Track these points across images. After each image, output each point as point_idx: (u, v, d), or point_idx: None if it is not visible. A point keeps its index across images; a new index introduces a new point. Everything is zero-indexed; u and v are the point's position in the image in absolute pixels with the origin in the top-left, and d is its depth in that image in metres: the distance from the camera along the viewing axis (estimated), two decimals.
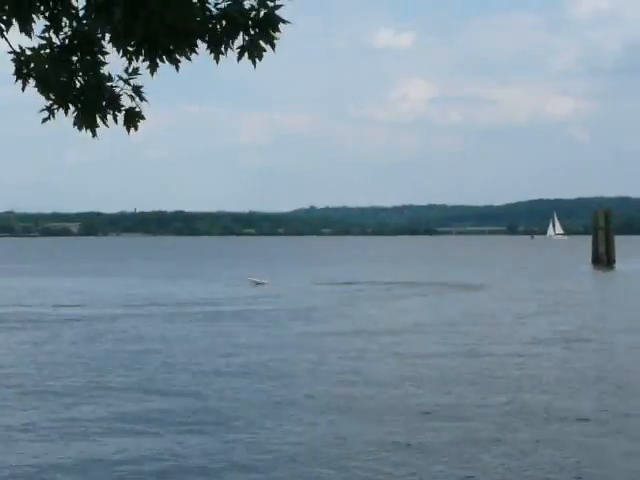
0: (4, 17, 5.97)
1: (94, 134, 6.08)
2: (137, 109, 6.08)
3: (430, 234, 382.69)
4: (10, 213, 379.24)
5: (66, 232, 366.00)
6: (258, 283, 74.96)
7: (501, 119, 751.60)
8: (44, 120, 6.36)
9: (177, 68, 5.83)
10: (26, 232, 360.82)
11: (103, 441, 19.56)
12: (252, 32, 5.73)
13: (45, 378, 27.99)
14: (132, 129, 6.11)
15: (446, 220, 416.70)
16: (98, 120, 6.02)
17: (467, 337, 37.33)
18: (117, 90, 6.00)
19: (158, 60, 5.79)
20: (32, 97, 6.35)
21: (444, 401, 23.58)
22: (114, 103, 5.96)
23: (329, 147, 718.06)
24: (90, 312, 52.25)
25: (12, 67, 6.31)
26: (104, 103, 5.93)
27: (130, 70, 5.95)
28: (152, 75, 5.70)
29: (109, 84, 5.97)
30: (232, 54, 5.94)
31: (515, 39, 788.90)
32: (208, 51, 5.85)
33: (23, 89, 6.41)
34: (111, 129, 6.38)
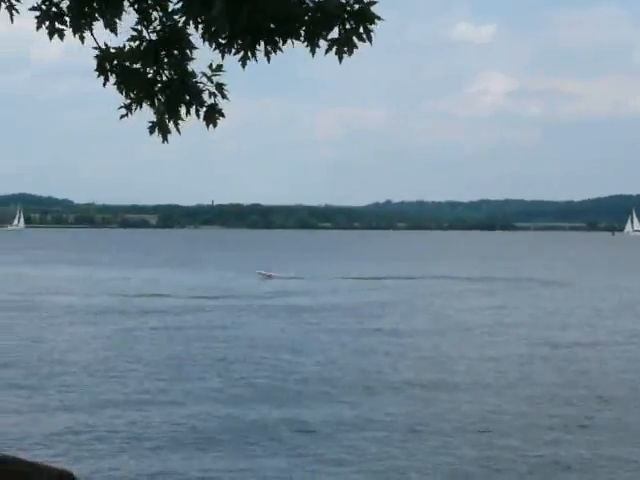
0: (92, 12, 5.90)
1: (177, 129, 6.01)
2: (218, 106, 5.99)
3: (507, 229, 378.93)
4: (90, 205, 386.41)
5: (144, 224, 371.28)
6: (267, 276, 75.89)
7: (582, 113, 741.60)
8: (122, 117, 6.30)
9: (269, 59, 5.72)
10: (105, 223, 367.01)
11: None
12: (347, 26, 5.63)
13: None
14: (211, 125, 6.02)
15: (524, 215, 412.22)
16: (182, 113, 5.94)
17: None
18: (200, 86, 5.91)
19: (253, 52, 5.68)
20: (112, 92, 6.27)
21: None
22: (197, 98, 5.88)
23: (405, 141, 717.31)
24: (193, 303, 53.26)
25: (93, 62, 6.25)
26: (187, 97, 5.86)
27: (214, 67, 5.84)
28: (244, 68, 5.57)
29: (193, 79, 5.89)
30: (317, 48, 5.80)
31: (598, 33, 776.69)
32: (293, 44, 5.74)
33: (104, 84, 6.34)
34: (189, 123, 6.32)
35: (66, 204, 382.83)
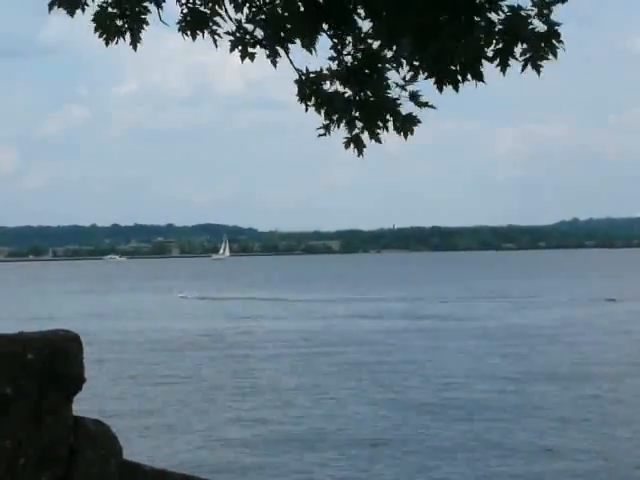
0: (288, 35, 6.22)
1: (378, 140, 6.22)
2: (413, 113, 6.17)
3: None
4: (274, 232, 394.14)
5: (327, 250, 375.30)
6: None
7: None
8: (319, 136, 6.59)
9: (456, 89, 5.88)
10: (289, 250, 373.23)
11: None
12: (533, 45, 5.74)
13: None
14: (408, 134, 6.21)
15: None
16: (379, 127, 6.15)
17: None
18: (396, 99, 6.10)
19: (440, 88, 5.86)
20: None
21: None
22: (394, 112, 6.08)
23: (590, 157, 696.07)
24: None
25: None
26: (384, 112, 6.07)
27: (407, 78, 6.03)
28: (440, 91, 5.72)
29: (389, 94, 6.10)
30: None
31: None
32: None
33: (306, 110, 6.64)
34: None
35: (251, 233, 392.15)
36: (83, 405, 5.08)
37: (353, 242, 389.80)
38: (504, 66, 5.67)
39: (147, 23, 6.90)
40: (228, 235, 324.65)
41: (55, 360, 4.65)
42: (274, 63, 6.42)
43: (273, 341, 48.66)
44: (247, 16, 6.53)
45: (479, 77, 5.64)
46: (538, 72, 5.70)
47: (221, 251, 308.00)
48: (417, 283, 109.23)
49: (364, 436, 24.60)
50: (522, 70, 5.69)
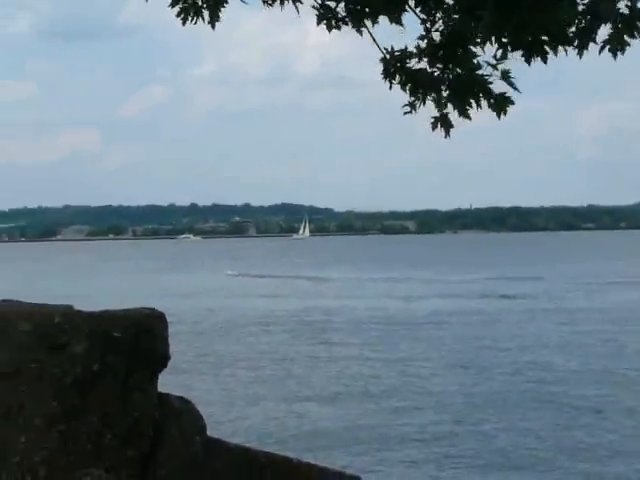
0: (372, 13, 6.15)
1: (468, 117, 6.12)
2: (507, 94, 6.06)
3: None
4: (350, 212, 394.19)
5: (403, 230, 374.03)
6: None
7: None
8: (405, 113, 6.53)
9: (545, 60, 5.75)
10: (365, 230, 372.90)
11: None
12: (618, 26, 5.58)
13: None
14: (502, 114, 6.10)
15: None
16: (471, 106, 6.06)
17: None
18: (487, 78, 6.00)
19: (528, 61, 5.75)
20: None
21: None
22: (485, 91, 5.97)
23: None
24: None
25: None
26: (475, 90, 5.96)
27: (498, 56, 5.92)
28: (529, 64, 5.63)
29: (479, 72, 6.00)
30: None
31: None
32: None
33: (390, 88, 6.57)
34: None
35: (327, 212, 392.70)
36: (166, 382, 5.10)
37: (429, 222, 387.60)
38: (583, 48, 5.53)
39: (226, 1, 6.76)
40: (305, 215, 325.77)
41: (141, 337, 4.69)
42: (359, 32, 6.30)
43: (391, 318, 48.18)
44: None
45: (569, 42, 5.50)
46: (615, 55, 5.55)
47: (301, 231, 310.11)
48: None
49: None
50: (599, 52, 5.55)
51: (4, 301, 4.88)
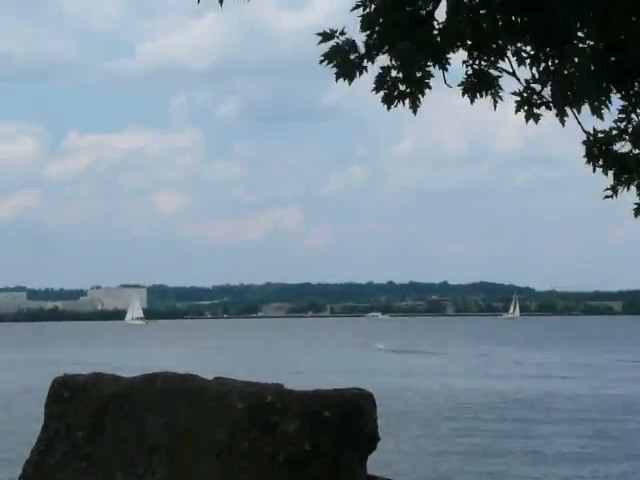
0: (578, 96, 6.12)
1: None
2: None
3: None
4: (552, 292, 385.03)
5: (608, 311, 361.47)
6: None
7: None
8: (605, 197, 6.41)
9: None
10: (567, 310, 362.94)
11: None
12: None
13: None
14: None
15: None
16: None
17: None
18: None
19: None
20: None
21: None
22: None
23: None
24: None
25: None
26: None
27: None
28: None
29: None
30: None
31: None
32: None
33: (594, 170, 6.48)
34: None
35: (528, 292, 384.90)
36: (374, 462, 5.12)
37: (637, 303, 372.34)
38: None
39: (430, 87, 6.82)
40: (504, 294, 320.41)
41: (351, 418, 4.75)
42: (562, 122, 6.29)
43: None
44: (533, 76, 6.48)
45: None
46: None
47: (511, 310, 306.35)
48: None
49: None
50: None
51: (217, 379, 5.05)
